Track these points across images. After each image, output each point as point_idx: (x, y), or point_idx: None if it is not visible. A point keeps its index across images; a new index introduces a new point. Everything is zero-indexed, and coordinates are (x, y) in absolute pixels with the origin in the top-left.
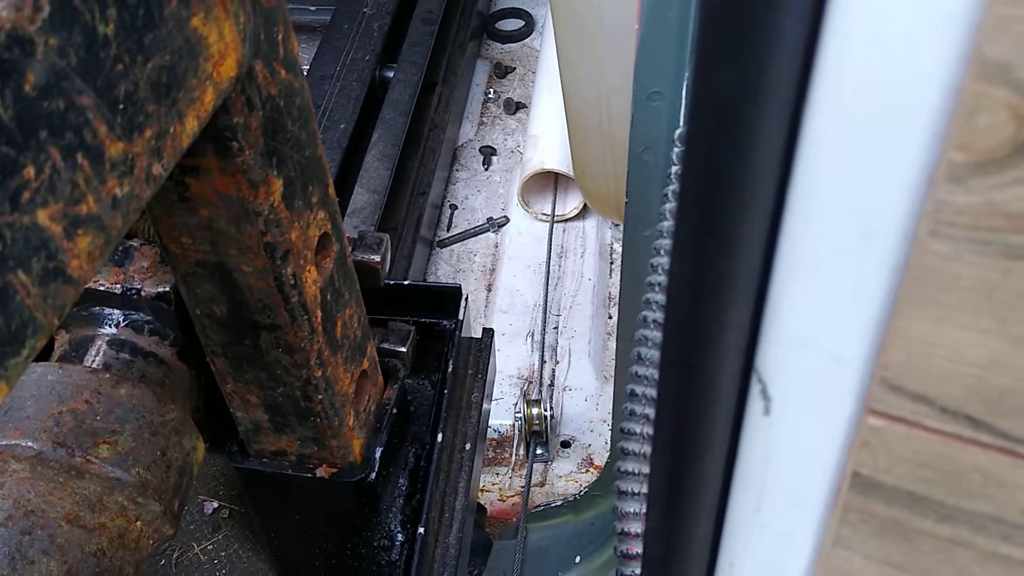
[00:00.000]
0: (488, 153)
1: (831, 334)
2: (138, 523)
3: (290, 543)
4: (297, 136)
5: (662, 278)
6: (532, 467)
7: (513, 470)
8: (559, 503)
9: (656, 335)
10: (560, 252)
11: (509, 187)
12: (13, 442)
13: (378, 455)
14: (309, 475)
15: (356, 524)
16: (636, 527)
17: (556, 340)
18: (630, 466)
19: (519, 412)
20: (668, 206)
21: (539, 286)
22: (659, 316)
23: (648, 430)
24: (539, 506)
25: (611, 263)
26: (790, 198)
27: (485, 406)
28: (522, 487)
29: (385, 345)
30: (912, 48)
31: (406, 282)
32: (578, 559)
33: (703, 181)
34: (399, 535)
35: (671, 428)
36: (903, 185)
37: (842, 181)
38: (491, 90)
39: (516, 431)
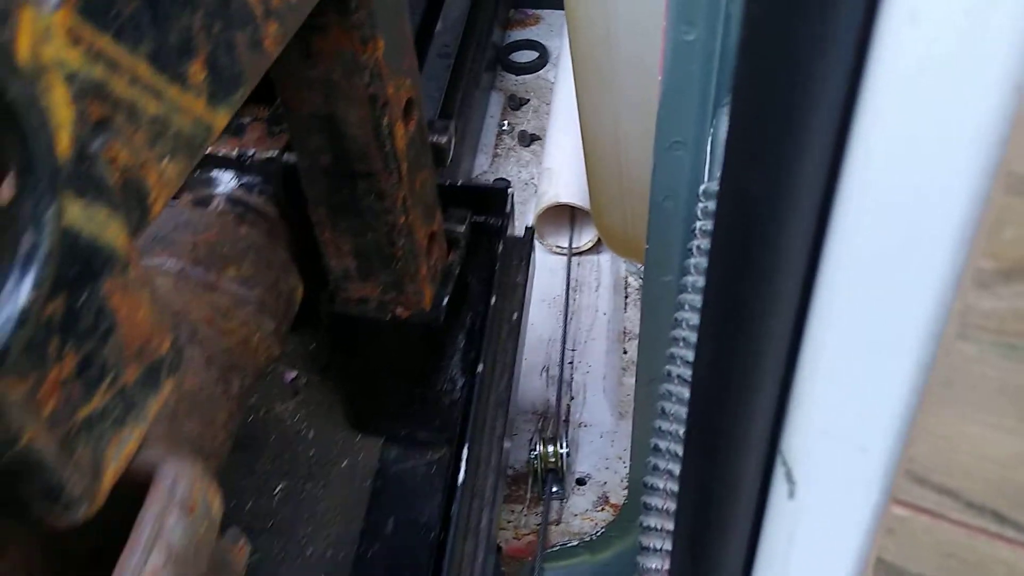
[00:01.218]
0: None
1: (857, 426)
2: (256, 335)
3: (365, 389)
4: (393, 5)
5: (687, 333)
6: (549, 504)
7: (528, 507)
8: (575, 543)
9: (680, 390)
10: (574, 286)
11: (523, 220)
12: (160, 261)
13: (444, 304)
14: (388, 316)
15: (423, 367)
16: None
17: (571, 375)
18: (652, 521)
19: (535, 450)
20: (693, 260)
21: (553, 320)
22: (684, 372)
23: (671, 485)
24: (555, 546)
25: (626, 297)
26: (818, 291)
27: (527, 289)
28: (537, 525)
29: (446, 226)
30: (940, 159)
31: (459, 183)
32: None
33: (729, 272)
34: (459, 380)
35: (693, 506)
36: (932, 288)
37: (874, 278)
38: (505, 122)
39: (531, 468)
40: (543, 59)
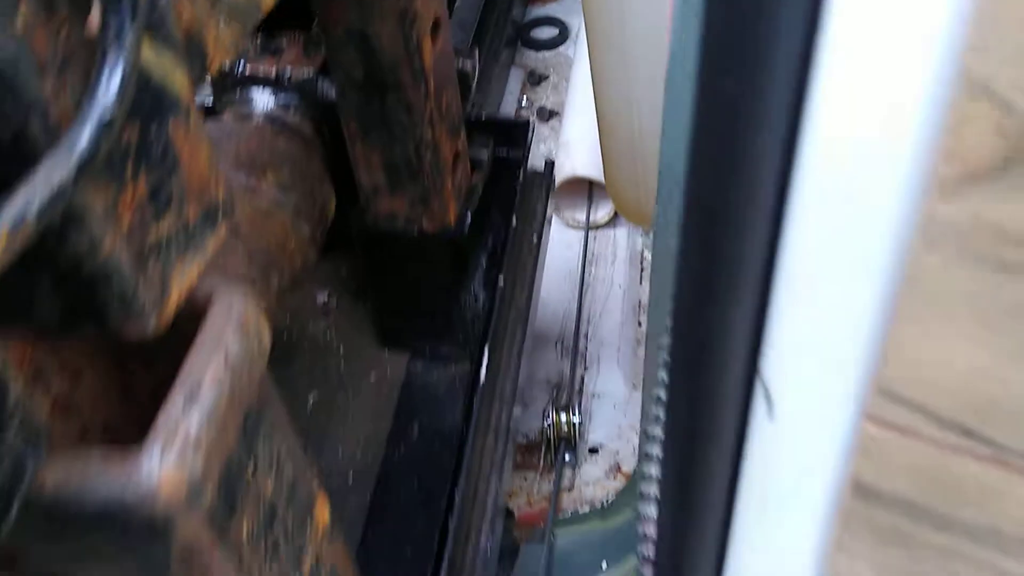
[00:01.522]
0: None
1: (830, 341)
2: (293, 239)
3: (393, 306)
4: None
5: None
6: (561, 472)
7: (541, 475)
8: (587, 510)
9: None
10: (590, 259)
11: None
12: None
13: (468, 220)
14: (416, 231)
15: (448, 283)
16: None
17: (586, 346)
18: (652, 470)
19: (548, 418)
20: None
21: (568, 293)
22: None
23: None
24: (567, 512)
25: (641, 270)
26: (790, 206)
27: (547, 212)
28: (550, 492)
29: (470, 151)
30: (902, 65)
31: (483, 116)
32: (605, 565)
33: (707, 182)
34: (481, 295)
35: (680, 427)
36: (899, 197)
37: (842, 187)
38: (524, 97)
39: (544, 437)
40: (563, 35)
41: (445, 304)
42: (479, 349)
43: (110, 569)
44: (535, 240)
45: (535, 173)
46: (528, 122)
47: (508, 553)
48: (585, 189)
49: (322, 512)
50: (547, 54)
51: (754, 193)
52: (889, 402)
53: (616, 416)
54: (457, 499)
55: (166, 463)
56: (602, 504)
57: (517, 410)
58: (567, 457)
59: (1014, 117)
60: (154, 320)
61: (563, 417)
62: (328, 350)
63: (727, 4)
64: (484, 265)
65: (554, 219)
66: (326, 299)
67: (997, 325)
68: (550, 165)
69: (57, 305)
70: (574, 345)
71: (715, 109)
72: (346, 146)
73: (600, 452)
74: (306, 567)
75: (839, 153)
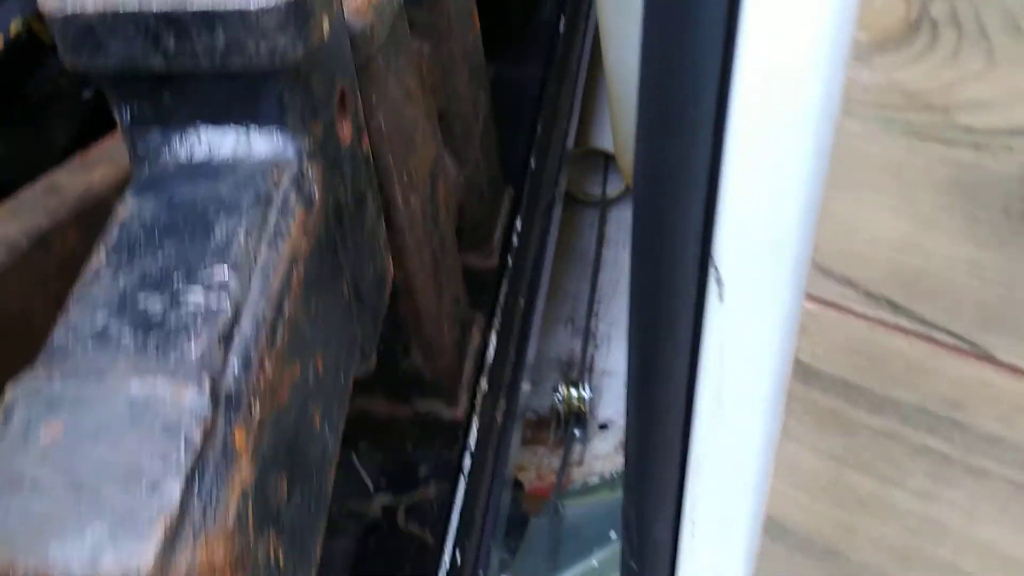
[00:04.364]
0: None
1: (770, 218)
2: None
3: None
4: None
5: None
6: (570, 446)
7: (551, 450)
8: (596, 481)
9: None
10: (601, 241)
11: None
12: None
13: None
14: None
15: None
16: None
17: (596, 325)
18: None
19: (559, 393)
20: None
21: (579, 274)
22: None
23: None
24: (575, 483)
25: None
26: (733, 84)
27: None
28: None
29: None
30: None
31: None
32: (613, 535)
33: (656, 73)
34: None
35: (640, 313)
36: (821, 65)
37: (773, 58)
38: None
39: (555, 412)
40: None
41: None
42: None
43: None
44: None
45: None
46: None
47: (517, 525)
48: (600, 162)
49: None
50: None
51: (698, 92)
52: (823, 277)
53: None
54: None
55: None
56: (611, 476)
57: (526, 386)
58: (577, 432)
59: None
60: None
61: (573, 392)
62: None
63: None
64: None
65: (567, 194)
66: None
67: (912, 193)
68: None
69: None
70: (586, 324)
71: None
72: None
73: (610, 428)
74: None
75: (768, 23)
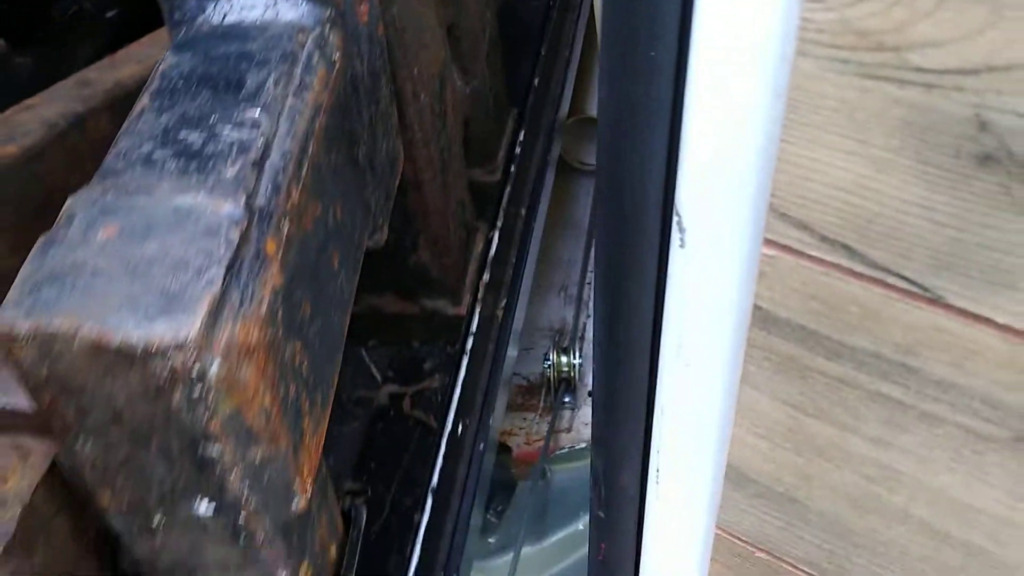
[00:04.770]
0: None
1: (728, 160)
2: None
3: None
4: None
5: None
6: (559, 411)
7: (540, 415)
8: (583, 446)
9: None
10: (594, 209)
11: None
12: None
13: None
14: None
15: None
16: None
17: (589, 294)
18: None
19: (549, 360)
20: None
21: (573, 242)
22: None
23: None
24: (563, 448)
25: None
26: (692, 24)
27: None
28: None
29: None
30: None
31: None
32: None
33: (621, 4)
34: None
35: (606, 260)
36: (779, 4)
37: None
38: None
39: (545, 378)
40: None
41: None
42: None
43: None
44: None
45: None
46: None
47: (505, 489)
48: (594, 131)
49: None
50: None
51: (660, 33)
52: (780, 222)
53: None
54: None
55: None
56: None
57: (513, 351)
58: (567, 399)
59: None
60: None
61: (563, 359)
62: None
63: None
64: None
65: (562, 161)
66: None
67: (865, 134)
68: None
69: None
70: (578, 292)
71: None
72: None
73: None
74: None
75: None
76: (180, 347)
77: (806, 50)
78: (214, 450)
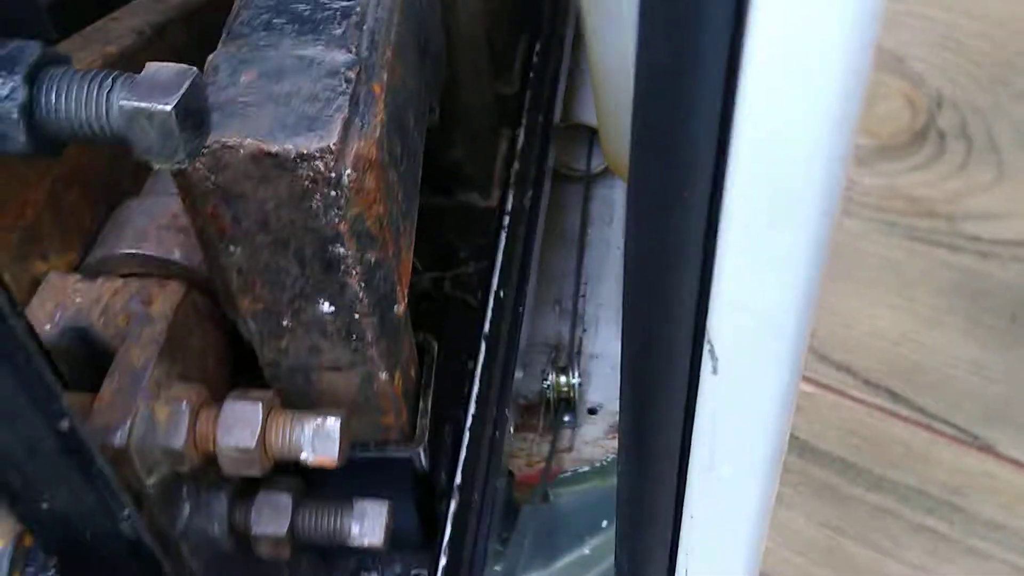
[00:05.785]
0: None
1: (766, 300)
2: None
3: None
4: None
5: None
6: (559, 431)
7: (540, 435)
8: (585, 469)
9: None
10: (586, 219)
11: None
12: None
13: None
14: None
15: None
16: None
17: (584, 308)
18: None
19: (547, 379)
20: None
21: (566, 253)
22: None
23: None
24: (566, 471)
25: None
26: (729, 171)
27: None
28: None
29: None
30: (819, 35)
31: None
32: (604, 523)
33: (653, 149)
34: None
35: (632, 376)
36: (819, 166)
37: (767, 155)
38: None
39: (544, 398)
40: None
41: None
42: None
43: None
44: None
45: None
46: None
47: (508, 514)
48: (585, 137)
49: None
50: None
51: (694, 176)
52: (820, 363)
53: (614, 377)
54: None
55: None
56: (601, 463)
57: (519, 373)
58: (566, 418)
59: (924, 91)
60: None
61: (562, 378)
62: None
63: None
64: None
65: (553, 169)
66: None
67: (913, 292)
68: None
69: None
70: (573, 306)
71: (656, 73)
72: None
73: (599, 412)
74: None
75: (765, 114)
76: (323, 153)
77: (852, 211)
78: (340, 250)
